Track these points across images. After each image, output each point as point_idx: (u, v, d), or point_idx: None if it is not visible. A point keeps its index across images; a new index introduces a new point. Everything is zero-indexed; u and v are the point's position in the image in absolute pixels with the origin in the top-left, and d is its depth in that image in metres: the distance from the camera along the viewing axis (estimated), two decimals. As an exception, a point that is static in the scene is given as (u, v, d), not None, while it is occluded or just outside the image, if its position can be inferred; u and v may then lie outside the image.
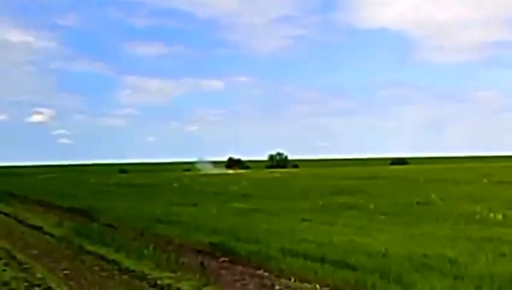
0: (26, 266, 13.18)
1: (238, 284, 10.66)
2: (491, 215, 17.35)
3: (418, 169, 73.56)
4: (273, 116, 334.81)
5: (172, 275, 11.50)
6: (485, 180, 37.71)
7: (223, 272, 11.74)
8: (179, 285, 10.60)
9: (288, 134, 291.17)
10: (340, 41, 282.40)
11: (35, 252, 15.22)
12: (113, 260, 13.43)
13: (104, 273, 12.16)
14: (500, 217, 16.94)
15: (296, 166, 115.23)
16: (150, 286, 10.80)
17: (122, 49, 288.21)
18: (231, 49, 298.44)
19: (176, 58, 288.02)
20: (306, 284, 10.36)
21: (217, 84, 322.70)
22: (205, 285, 10.52)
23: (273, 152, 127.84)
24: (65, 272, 12.43)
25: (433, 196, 25.16)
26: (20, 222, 22.77)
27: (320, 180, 46.43)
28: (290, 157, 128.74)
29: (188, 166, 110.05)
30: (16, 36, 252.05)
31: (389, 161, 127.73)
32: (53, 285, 11.03)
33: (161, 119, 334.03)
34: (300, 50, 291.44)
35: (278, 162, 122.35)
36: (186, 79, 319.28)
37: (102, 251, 14.74)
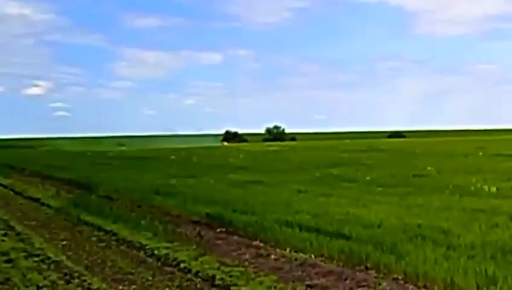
0: (24, 236, 13.31)
1: (234, 254, 10.79)
2: (486, 187, 17.46)
3: (415, 142, 73.69)
4: (271, 90, 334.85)
5: (169, 245, 11.63)
6: (480, 153, 37.80)
7: (219, 242, 11.87)
8: (175, 255, 10.73)
9: (286, 107, 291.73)
10: (339, 14, 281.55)
11: (33, 223, 15.35)
12: (111, 231, 13.57)
13: (101, 244, 12.31)
14: (494, 189, 17.05)
15: (293, 139, 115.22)
16: (147, 256, 10.95)
17: (120, 21, 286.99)
18: (230, 22, 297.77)
19: (174, 30, 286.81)
20: (301, 254, 10.50)
21: (215, 57, 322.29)
22: (202, 255, 10.65)
23: (271, 125, 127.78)
24: (63, 242, 12.58)
25: (429, 168, 25.27)
26: (18, 193, 22.88)
27: (317, 153, 46.52)
28: (287, 130, 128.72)
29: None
30: (13, 9, 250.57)
31: (386, 135, 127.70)
32: (51, 255, 11.16)
33: (159, 92, 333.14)
34: (300, 23, 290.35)
35: (275, 135, 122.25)
36: (184, 52, 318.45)
37: (100, 221, 14.86)
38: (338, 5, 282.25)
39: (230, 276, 9.19)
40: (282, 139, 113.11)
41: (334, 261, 9.94)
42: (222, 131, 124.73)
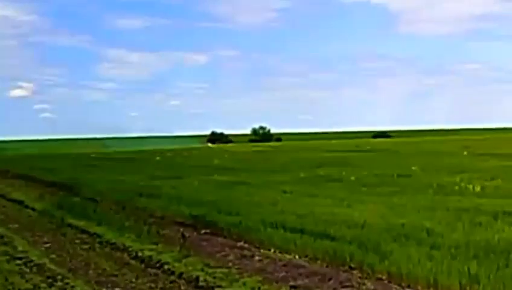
0: (7, 239, 13.19)
1: (218, 255, 10.77)
2: (470, 186, 17.54)
3: (400, 142, 73.99)
4: (256, 90, 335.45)
5: (153, 246, 11.59)
6: (465, 153, 38.03)
7: (203, 243, 11.83)
8: (159, 257, 10.69)
9: (272, 107, 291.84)
10: (324, 14, 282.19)
11: (16, 226, 15.22)
12: (95, 233, 13.49)
13: (85, 246, 12.22)
14: (478, 188, 17.14)
15: (279, 139, 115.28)
16: (131, 258, 10.89)
17: (104, 22, 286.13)
18: (215, 23, 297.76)
19: (159, 31, 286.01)
20: (285, 255, 10.50)
21: (200, 57, 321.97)
22: (186, 256, 10.61)
23: (256, 126, 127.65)
24: (47, 245, 12.47)
25: (414, 167, 25.35)
26: (2, 196, 22.67)
27: (302, 153, 46.57)
28: (273, 130, 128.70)
29: None
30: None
31: (372, 135, 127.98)
32: (34, 258, 11.07)
33: (144, 93, 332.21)
34: (284, 23, 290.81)
35: (261, 135, 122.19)
36: (169, 52, 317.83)
37: (83, 224, 14.77)
38: (323, 5, 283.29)
39: (214, 277, 9.16)
40: (268, 140, 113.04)
41: (318, 261, 9.95)
42: (208, 132, 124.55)
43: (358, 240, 10.34)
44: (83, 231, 13.89)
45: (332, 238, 10.76)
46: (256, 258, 10.41)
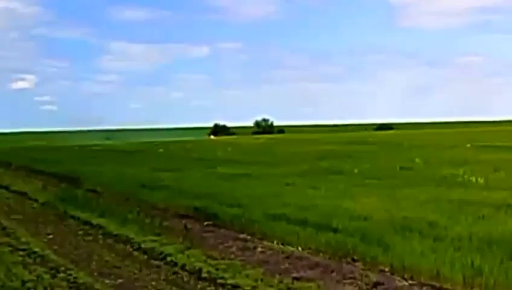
0: (10, 231, 13.21)
1: (221, 247, 10.77)
2: (473, 178, 17.51)
3: (402, 134, 73.81)
4: (259, 82, 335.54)
5: (156, 238, 11.60)
6: (468, 145, 37.95)
7: (206, 235, 11.84)
8: (162, 248, 10.69)
9: (274, 99, 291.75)
10: (326, 6, 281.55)
11: (19, 217, 15.25)
12: (98, 225, 13.50)
13: (88, 238, 12.25)
14: (481, 180, 17.10)
15: (281, 131, 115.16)
16: (134, 250, 10.91)
17: (107, 14, 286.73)
18: (217, 15, 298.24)
19: (162, 23, 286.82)
20: (288, 247, 10.49)
21: (202, 50, 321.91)
22: (188, 248, 10.62)
23: (259, 118, 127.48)
24: (50, 236, 12.50)
25: (416, 160, 25.30)
26: (5, 187, 22.70)
27: (305, 146, 46.48)
28: (276, 123, 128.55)
29: None
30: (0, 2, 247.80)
31: (375, 127, 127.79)
32: (37, 249, 11.08)
33: (146, 85, 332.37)
34: (286, 15, 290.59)
35: (264, 128, 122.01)
36: (172, 45, 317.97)
37: (86, 215, 14.77)
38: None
39: (217, 269, 9.16)
40: (271, 132, 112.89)
41: (321, 253, 9.94)
42: (210, 124, 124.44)
43: (361, 233, 10.32)
44: (86, 223, 13.91)
45: (335, 231, 10.75)
46: (259, 250, 10.42)
